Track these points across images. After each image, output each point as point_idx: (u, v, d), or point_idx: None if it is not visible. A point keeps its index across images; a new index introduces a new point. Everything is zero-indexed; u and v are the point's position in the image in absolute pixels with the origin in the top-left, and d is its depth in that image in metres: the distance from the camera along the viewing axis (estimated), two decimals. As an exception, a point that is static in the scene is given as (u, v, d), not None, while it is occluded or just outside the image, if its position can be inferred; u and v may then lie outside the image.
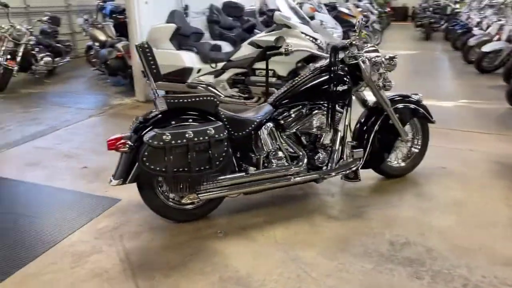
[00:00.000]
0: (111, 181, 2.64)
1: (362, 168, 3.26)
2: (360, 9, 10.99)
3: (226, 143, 2.59)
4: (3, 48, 7.13)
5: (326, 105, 2.99)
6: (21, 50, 7.30)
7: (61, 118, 5.51)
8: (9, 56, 7.07)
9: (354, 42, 3.02)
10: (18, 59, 7.24)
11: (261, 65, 5.06)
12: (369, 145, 3.26)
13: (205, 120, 2.70)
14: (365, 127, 3.31)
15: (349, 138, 3.27)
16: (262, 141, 2.93)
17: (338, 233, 2.76)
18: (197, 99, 2.72)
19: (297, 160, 3.02)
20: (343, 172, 3.08)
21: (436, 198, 3.22)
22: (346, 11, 8.28)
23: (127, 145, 2.55)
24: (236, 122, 2.82)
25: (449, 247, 2.59)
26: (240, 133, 2.83)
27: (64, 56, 8.61)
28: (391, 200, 3.18)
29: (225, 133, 2.58)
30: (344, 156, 3.17)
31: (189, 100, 2.70)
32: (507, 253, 2.52)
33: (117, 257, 2.54)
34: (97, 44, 7.62)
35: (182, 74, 5.30)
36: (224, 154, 2.58)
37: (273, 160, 2.98)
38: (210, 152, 2.52)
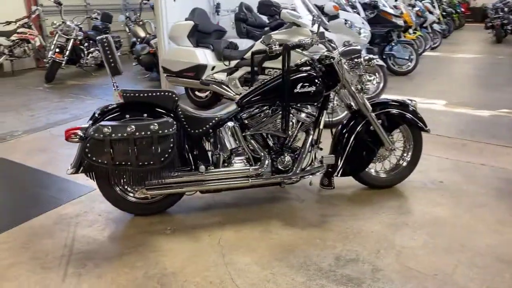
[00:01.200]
0: (68, 169, 2.74)
1: (341, 175, 3.06)
2: (416, 9, 10.33)
3: (172, 140, 2.57)
4: (54, 42, 7.76)
5: (282, 107, 2.84)
6: (70, 44, 7.87)
7: (87, 108, 5.85)
8: (57, 50, 7.66)
9: (304, 41, 2.83)
10: (67, 53, 7.82)
11: (274, 64, 4.95)
12: (346, 151, 3.04)
13: (161, 115, 2.70)
14: (344, 132, 3.10)
15: (327, 143, 3.08)
16: (223, 140, 2.86)
17: (286, 241, 2.61)
18: (155, 94, 2.73)
19: (259, 162, 2.91)
20: (307, 177, 2.91)
21: (414, 214, 2.92)
22: (390, 10, 7.79)
23: (78, 136, 2.62)
24: (194, 119, 2.78)
25: (400, 269, 2.33)
26: (197, 130, 2.79)
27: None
28: (362, 212, 2.94)
29: (172, 129, 2.56)
30: (315, 161, 3.00)
31: (146, 94, 2.71)
32: (461, 282, 2.21)
33: (63, 244, 2.63)
34: (139, 40, 7.99)
35: (197, 70, 5.35)
36: (169, 150, 2.56)
37: (233, 160, 2.90)
38: (153, 147, 2.51)
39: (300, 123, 2.95)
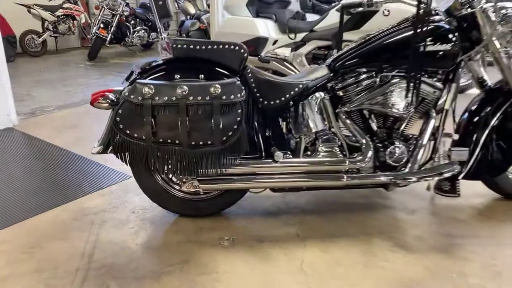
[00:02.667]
0: (93, 147, 1.97)
1: (465, 178, 2.11)
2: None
3: (239, 111, 1.74)
4: (99, 17, 7.20)
5: (408, 74, 1.93)
6: (115, 20, 7.29)
7: (128, 86, 5.18)
8: (102, 25, 7.09)
9: None
10: (112, 29, 7.24)
11: (351, 35, 4.03)
12: (479, 145, 2.09)
13: (223, 77, 1.88)
14: (477, 118, 2.13)
15: (449, 129, 2.15)
16: (306, 117, 2.00)
17: (405, 273, 1.72)
18: (216, 47, 1.90)
19: (358, 152, 2.03)
20: (429, 179, 1.98)
21: None
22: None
23: (108, 100, 1.84)
24: (268, 86, 1.94)
25: None
26: (273, 102, 1.94)
27: (160, 32, 8.51)
28: (504, 234, 1.99)
29: (240, 96, 1.74)
30: (436, 155, 2.07)
31: (205, 47, 1.89)
32: None
33: (80, 251, 1.87)
34: (189, 17, 7.29)
35: (256, 44, 4.51)
36: (235, 126, 1.74)
37: (320, 147, 2.03)
38: (213, 120, 1.69)
39: (420, 99, 2.03)
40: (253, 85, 1.92)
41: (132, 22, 7.82)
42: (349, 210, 2.22)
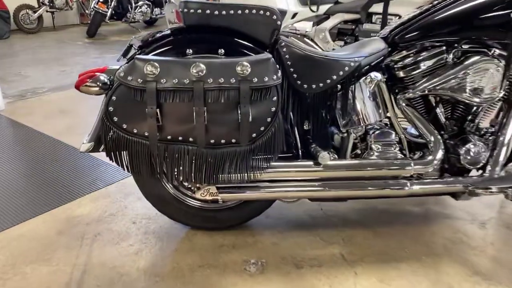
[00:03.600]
0: (82, 143, 1.51)
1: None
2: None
3: (276, 98, 1.28)
4: (98, -10, 6.67)
5: (500, 49, 1.46)
6: (116, -7, 6.75)
7: (130, 66, 4.70)
8: (100, 0, 6.55)
9: None
10: (112, 3, 6.71)
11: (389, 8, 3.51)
12: None
13: (250, 53, 1.41)
14: None
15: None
16: (358, 106, 1.54)
17: (496, 318, 1.28)
18: (240, 12, 1.43)
19: (423, 152, 1.57)
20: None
21: None
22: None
23: (99, 82, 1.37)
24: (308, 64, 1.47)
25: None
26: (315, 85, 1.47)
27: (163, 6, 7.97)
28: None
29: (277, 77, 1.27)
30: (520, 155, 1.61)
31: (226, 12, 1.42)
32: None
33: (66, 278, 1.44)
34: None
35: (273, 19, 4.01)
36: (270, 118, 1.28)
37: (374, 145, 1.57)
38: (240, 110, 1.23)
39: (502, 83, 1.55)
40: (289, 63, 1.46)
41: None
42: (404, 221, 1.77)
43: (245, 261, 1.53)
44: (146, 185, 1.61)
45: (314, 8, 3.88)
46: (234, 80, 1.22)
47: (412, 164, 1.50)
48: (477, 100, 1.49)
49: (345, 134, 1.57)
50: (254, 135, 1.28)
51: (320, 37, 3.89)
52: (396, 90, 1.58)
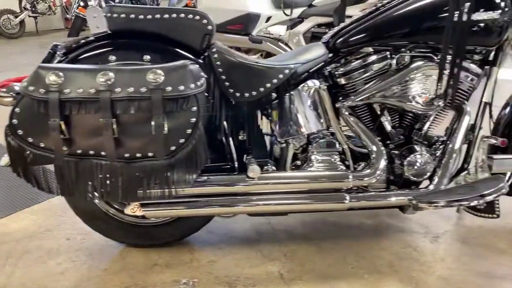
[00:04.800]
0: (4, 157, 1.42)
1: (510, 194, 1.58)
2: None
3: (195, 108, 1.18)
4: (79, -6, 6.59)
5: (441, 53, 1.37)
6: (97, -2, 6.67)
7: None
8: (82, 4, 6.47)
9: None
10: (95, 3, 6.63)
11: (356, 10, 3.44)
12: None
13: (179, 59, 1.32)
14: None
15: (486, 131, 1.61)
16: (295, 115, 1.45)
17: None
18: (167, 16, 1.34)
19: (365, 162, 1.49)
20: (467, 203, 1.42)
21: None
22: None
23: (13, 93, 1.28)
24: (240, 71, 1.38)
25: None
26: (247, 94, 1.38)
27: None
28: None
29: (196, 85, 1.18)
30: (473, 165, 1.52)
31: (151, 17, 1.34)
32: None
33: (-21, 302, 1.35)
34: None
35: (246, 22, 3.92)
36: (189, 130, 1.18)
37: (314, 156, 1.48)
38: (153, 123, 1.14)
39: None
40: (220, 70, 1.37)
41: (117, 0, 7.19)
42: (353, 235, 1.68)
43: (175, 281, 1.44)
44: (75, 200, 1.52)
45: (287, 11, 3.79)
46: (145, 89, 1.13)
47: (351, 177, 1.41)
48: (420, 107, 1.41)
49: (284, 145, 1.48)
50: (173, 148, 1.19)
51: (294, 41, 3.81)
52: (340, 98, 1.50)
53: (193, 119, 1.19)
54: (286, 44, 3.84)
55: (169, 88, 1.14)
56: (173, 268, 1.50)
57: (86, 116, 1.14)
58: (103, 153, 1.18)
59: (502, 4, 1.37)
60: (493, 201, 1.57)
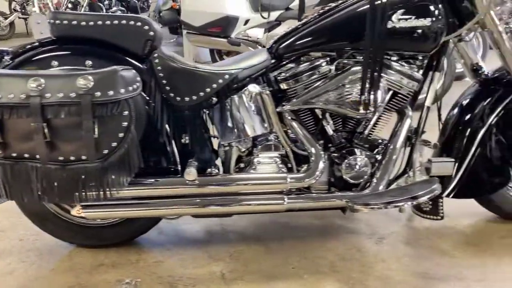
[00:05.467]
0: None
1: (455, 196, 1.60)
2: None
3: (127, 113, 1.22)
4: (67, -4, 6.64)
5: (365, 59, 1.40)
6: (85, 0, 6.72)
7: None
8: (70, 6, 6.52)
9: None
10: (82, 9, 6.67)
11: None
12: (471, 153, 1.58)
13: (121, 64, 1.36)
14: (468, 117, 1.62)
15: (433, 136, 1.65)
16: (236, 119, 1.49)
17: None
18: (109, 23, 1.39)
19: (307, 165, 1.52)
20: (400, 204, 1.46)
21: None
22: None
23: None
24: (180, 76, 1.42)
25: None
26: (187, 98, 1.42)
27: (139, 14, 7.95)
28: (499, 276, 1.49)
29: (126, 90, 1.22)
30: (412, 168, 1.56)
31: (93, 24, 1.38)
32: None
33: None
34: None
35: (225, 25, 3.96)
36: (121, 134, 1.22)
37: (256, 159, 1.52)
38: (83, 127, 1.18)
39: (391, 93, 1.51)
40: (161, 75, 1.41)
41: (106, 2, 7.27)
42: (300, 236, 1.72)
43: (118, 280, 1.47)
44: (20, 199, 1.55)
45: (265, 14, 3.82)
46: (74, 95, 1.17)
47: (288, 179, 1.44)
48: (355, 112, 1.45)
49: (228, 148, 1.52)
50: (106, 151, 1.23)
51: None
52: (283, 103, 1.53)
53: (125, 123, 1.23)
54: (264, 47, 3.87)
55: (98, 93, 1.17)
56: (119, 268, 1.53)
57: (19, 121, 1.17)
58: (37, 156, 1.22)
59: (436, 12, 1.41)
60: (438, 203, 1.61)
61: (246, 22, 3.93)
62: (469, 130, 1.60)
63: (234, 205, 1.45)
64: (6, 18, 6.99)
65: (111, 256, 1.59)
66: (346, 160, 1.49)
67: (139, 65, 1.42)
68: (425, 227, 1.76)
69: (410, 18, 1.39)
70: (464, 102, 1.67)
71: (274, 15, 3.82)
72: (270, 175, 1.46)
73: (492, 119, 1.59)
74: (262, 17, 3.85)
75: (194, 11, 4.06)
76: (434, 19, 1.41)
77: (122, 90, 1.21)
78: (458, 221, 1.79)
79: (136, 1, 7.91)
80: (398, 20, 1.39)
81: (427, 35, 1.42)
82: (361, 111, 1.40)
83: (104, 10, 7.07)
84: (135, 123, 1.25)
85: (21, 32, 7.42)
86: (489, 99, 1.62)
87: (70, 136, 1.20)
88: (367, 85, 1.36)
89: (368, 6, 1.33)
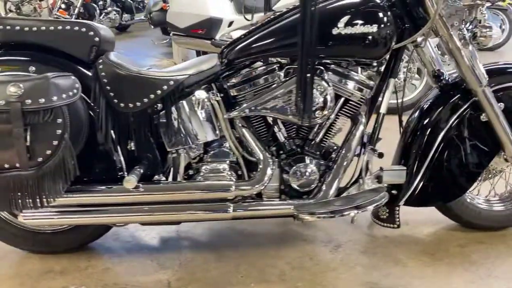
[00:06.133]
0: None
1: (411, 204, 1.58)
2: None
3: (61, 120, 1.21)
4: (61, -3, 6.66)
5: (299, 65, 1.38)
6: (79, 1, 6.71)
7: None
8: (63, 7, 6.53)
9: None
10: (76, 10, 6.67)
11: None
12: (427, 162, 1.55)
13: (65, 70, 1.36)
14: (425, 124, 1.59)
15: (390, 144, 1.62)
16: (182, 125, 1.47)
17: None
18: (53, 28, 1.38)
19: (255, 173, 1.50)
20: (347, 213, 1.43)
21: None
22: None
23: None
24: (124, 83, 1.41)
25: None
26: (131, 105, 1.41)
27: (135, 14, 7.97)
28: (456, 282, 1.47)
29: (59, 97, 1.21)
30: (364, 177, 1.53)
31: (36, 29, 1.37)
32: None
33: None
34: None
35: (209, 27, 3.96)
36: (56, 141, 1.22)
37: (204, 166, 1.50)
38: (13, 135, 1.17)
39: (343, 100, 1.49)
40: (105, 81, 1.40)
41: (101, 2, 7.28)
42: (254, 243, 1.70)
43: (64, 287, 1.46)
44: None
45: (248, 16, 3.82)
46: (3, 102, 1.16)
47: (233, 187, 1.43)
48: (300, 119, 1.42)
49: (176, 155, 1.50)
50: (40, 159, 1.22)
51: (255, 45, 3.82)
52: (232, 108, 1.51)
53: (59, 131, 1.22)
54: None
55: (29, 101, 1.16)
56: (66, 274, 1.52)
57: None
58: (-33, 162, 1.21)
59: (384, 18, 1.39)
60: (394, 211, 1.59)
61: (230, 24, 3.92)
62: (426, 137, 1.58)
63: (179, 213, 1.44)
64: (1, 19, 7.02)
65: (61, 262, 1.58)
66: (294, 168, 1.47)
67: (85, 71, 1.42)
68: (384, 236, 1.74)
69: (357, 25, 1.36)
70: (424, 108, 1.64)
71: (258, 17, 3.80)
72: (214, 183, 1.44)
73: (448, 126, 1.56)
74: (246, 19, 3.84)
75: (179, 12, 4.05)
76: (382, 25, 1.38)
77: (55, 98, 1.20)
78: (418, 229, 1.77)
79: (132, 1, 7.89)
80: (344, 26, 1.36)
81: (375, 42, 1.39)
82: (305, 118, 1.38)
83: (98, 11, 7.08)
84: (70, 131, 1.24)
85: (16, 32, 7.45)
86: (446, 106, 1.59)
87: (2, 144, 1.19)
88: (300, 92, 1.34)
89: (300, 13, 1.30)
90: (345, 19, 1.36)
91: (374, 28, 1.37)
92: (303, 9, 1.28)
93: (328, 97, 1.40)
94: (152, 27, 5.91)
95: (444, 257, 1.61)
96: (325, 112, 1.42)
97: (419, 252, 1.64)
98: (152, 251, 1.66)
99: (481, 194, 1.77)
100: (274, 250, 1.65)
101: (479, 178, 1.67)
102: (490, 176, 1.73)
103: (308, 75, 1.32)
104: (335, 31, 1.36)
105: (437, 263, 1.57)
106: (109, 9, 7.40)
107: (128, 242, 1.71)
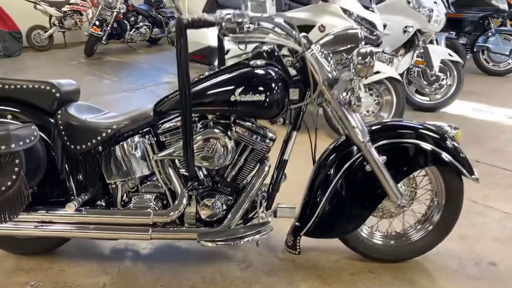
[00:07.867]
0: None
1: (310, 235, 1.90)
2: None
3: (18, 161, 1.66)
4: (96, 14, 7.34)
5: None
6: (112, 17, 7.38)
7: (99, 89, 5.25)
8: (97, 23, 7.21)
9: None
10: (108, 27, 7.34)
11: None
12: (324, 200, 1.87)
13: (33, 118, 1.83)
14: (326, 164, 1.91)
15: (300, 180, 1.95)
16: (117, 163, 1.87)
17: None
18: (24, 86, 1.85)
19: (175, 203, 1.88)
20: (240, 242, 1.78)
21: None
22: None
23: None
24: (74, 130, 1.84)
25: None
26: (79, 147, 1.84)
27: (164, 28, 8.55)
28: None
29: (15, 146, 1.64)
30: (259, 211, 1.87)
31: (11, 87, 1.85)
32: None
33: None
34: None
35: (208, 54, 4.40)
36: (14, 176, 1.66)
37: (135, 196, 1.91)
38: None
39: (250, 148, 1.85)
40: (61, 127, 1.84)
41: (132, 18, 7.90)
42: (183, 258, 2.08)
43: (26, 283, 1.91)
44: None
45: (242, 47, 4.18)
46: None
47: (152, 214, 1.82)
48: (206, 165, 1.79)
49: (114, 185, 1.92)
50: (3, 188, 1.67)
51: (246, 72, 4.20)
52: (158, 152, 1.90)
53: (17, 169, 1.66)
54: (240, 75, 4.24)
55: (-7, 147, 1.62)
56: (31, 273, 1.98)
57: None
58: None
59: (275, 88, 1.72)
60: (296, 240, 1.91)
61: (227, 52, 4.31)
62: (323, 178, 1.89)
63: (110, 232, 1.85)
64: (45, 32, 7.82)
65: (31, 262, 2.04)
66: (203, 201, 1.84)
67: (49, 119, 1.87)
68: (292, 259, 2.06)
69: (249, 94, 1.72)
70: (329, 149, 1.94)
71: (251, 47, 4.16)
72: (136, 210, 1.84)
73: (341, 172, 1.86)
74: (239, 48, 4.20)
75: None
76: (273, 93, 1.72)
77: (13, 145, 1.64)
78: (323, 256, 2.07)
79: (161, 17, 8.48)
80: (239, 95, 1.72)
81: (268, 107, 1.73)
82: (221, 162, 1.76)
83: (129, 26, 7.70)
84: (27, 168, 1.69)
85: (59, 43, 8.24)
86: (342, 153, 1.89)
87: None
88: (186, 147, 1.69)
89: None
90: (240, 89, 1.72)
91: (262, 97, 1.71)
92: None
93: (233, 145, 1.76)
94: (171, 45, 6.44)
95: (334, 282, 1.91)
96: (238, 156, 1.79)
97: (315, 276, 1.95)
98: (101, 258, 2.08)
99: (379, 230, 2.05)
100: (197, 265, 2.02)
101: (373, 217, 1.95)
102: (385, 216, 2.01)
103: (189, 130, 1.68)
104: (233, 98, 1.72)
105: (326, 287, 1.88)
106: (140, 24, 8.01)
107: (87, 250, 2.14)
